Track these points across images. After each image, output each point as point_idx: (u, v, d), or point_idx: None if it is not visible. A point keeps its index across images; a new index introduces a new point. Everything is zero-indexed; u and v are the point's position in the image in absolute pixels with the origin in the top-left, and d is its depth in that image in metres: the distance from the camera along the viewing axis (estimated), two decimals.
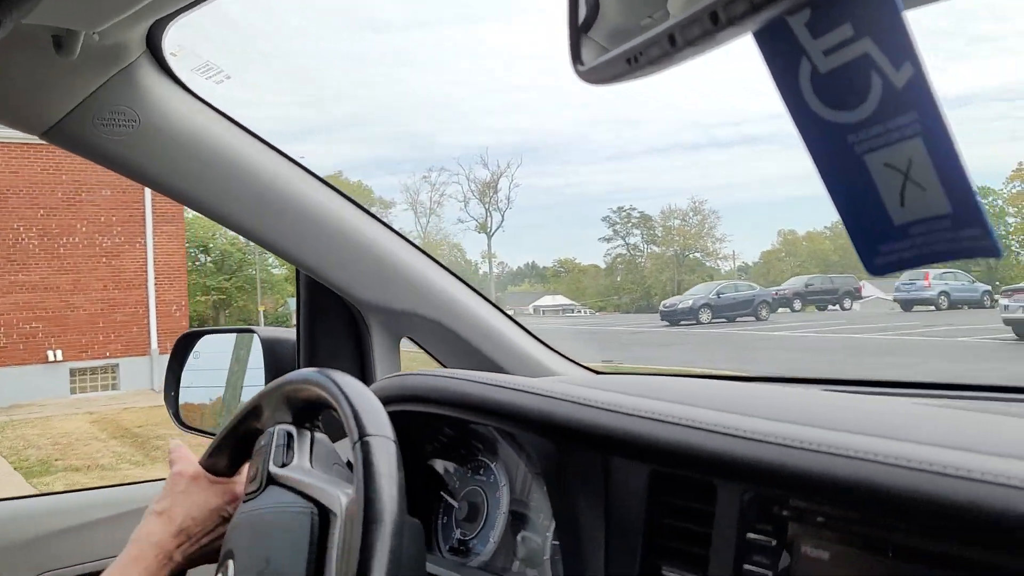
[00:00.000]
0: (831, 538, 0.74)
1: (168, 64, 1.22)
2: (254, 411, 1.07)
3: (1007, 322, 17.15)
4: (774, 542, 0.78)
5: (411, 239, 1.59)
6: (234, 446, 1.11)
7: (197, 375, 1.71)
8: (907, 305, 29.32)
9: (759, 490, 0.79)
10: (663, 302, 29.80)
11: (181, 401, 1.68)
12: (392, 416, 0.88)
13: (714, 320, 26.37)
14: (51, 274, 17.29)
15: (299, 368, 1.33)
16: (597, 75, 0.54)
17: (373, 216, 1.52)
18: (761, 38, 0.46)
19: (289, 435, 0.99)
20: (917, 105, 0.41)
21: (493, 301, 1.64)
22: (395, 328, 1.59)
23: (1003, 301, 17.50)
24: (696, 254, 69.36)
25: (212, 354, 1.76)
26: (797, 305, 33.41)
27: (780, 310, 32.92)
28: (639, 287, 47.32)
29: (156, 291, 18.41)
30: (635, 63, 0.49)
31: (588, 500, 0.93)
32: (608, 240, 74.28)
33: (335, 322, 1.58)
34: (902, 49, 0.41)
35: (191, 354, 1.71)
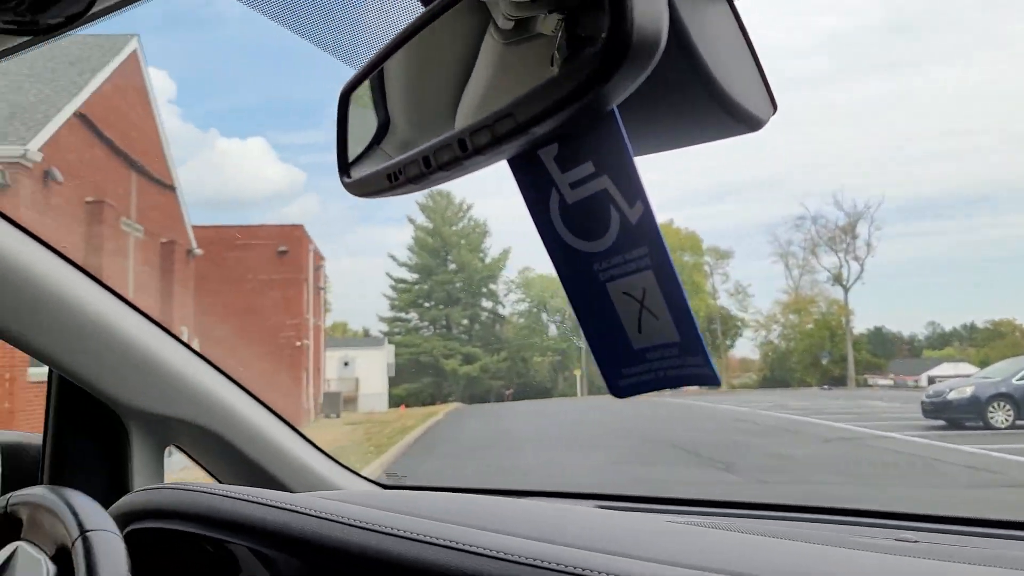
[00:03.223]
0: None
1: None
2: None
3: None
4: None
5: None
6: None
7: None
8: None
9: None
10: (927, 389, 16.81)
11: None
12: (139, 534, 0.86)
13: (1020, 422, 13.44)
14: None
15: (42, 478, 1.32)
16: (362, 188, 0.54)
17: (141, 312, 1.33)
18: (515, 167, 0.48)
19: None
20: (648, 240, 0.43)
21: (272, 408, 1.49)
22: (160, 436, 1.39)
23: None
24: None
25: None
26: None
27: None
28: None
29: None
30: (395, 180, 0.51)
31: None
32: None
33: (89, 427, 1.34)
34: (634, 188, 0.43)
35: None
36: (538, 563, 0.71)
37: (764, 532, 0.97)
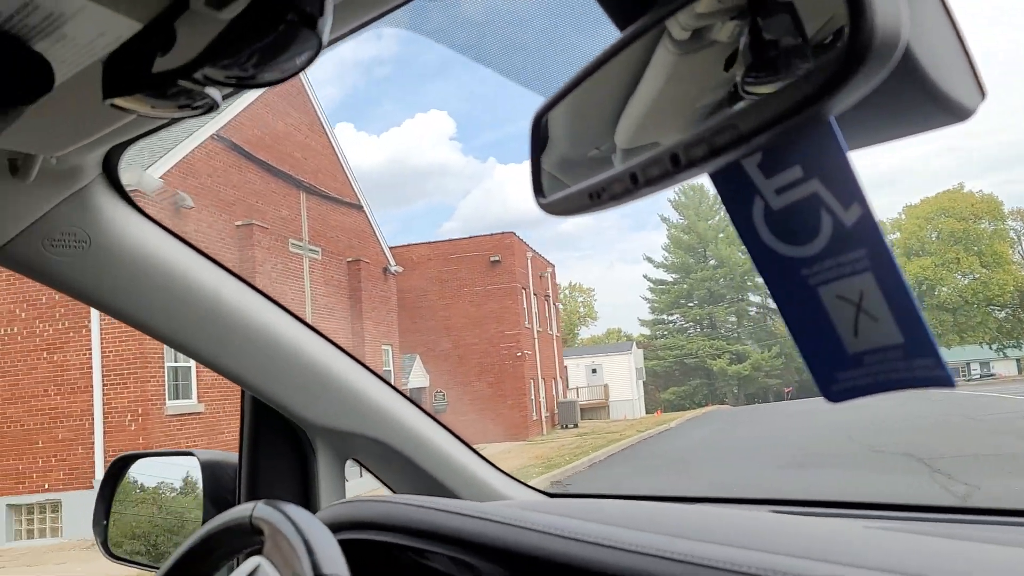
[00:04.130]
0: None
1: (122, 186, 1.14)
2: (197, 550, 0.99)
3: None
4: None
5: None
6: None
7: (131, 501, 1.59)
8: None
9: None
10: None
11: (112, 530, 1.54)
12: (343, 545, 0.86)
13: None
14: None
15: (239, 493, 1.40)
16: (559, 207, 0.55)
17: (320, 334, 1.39)
18: (716, 176, 0.48)
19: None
20: (866, 242, 0.42)
21: (439, 420, 1.51)
22: (341, 450, 1.45)
23: None
24: None
25: (148, 478, 1.62)
26: None
27: None
28: None
29: (103, 396, 12.49)
30: (597, 198, 0.51)
31: None
32: None
33: (280, 444, 1.43)
34: (849, 190, 0.42)
35: (124, 478, 1.58)
36: (754, 571, 0.69)
37: (968, 538, 0.90)
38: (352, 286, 19.90)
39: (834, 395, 0.46)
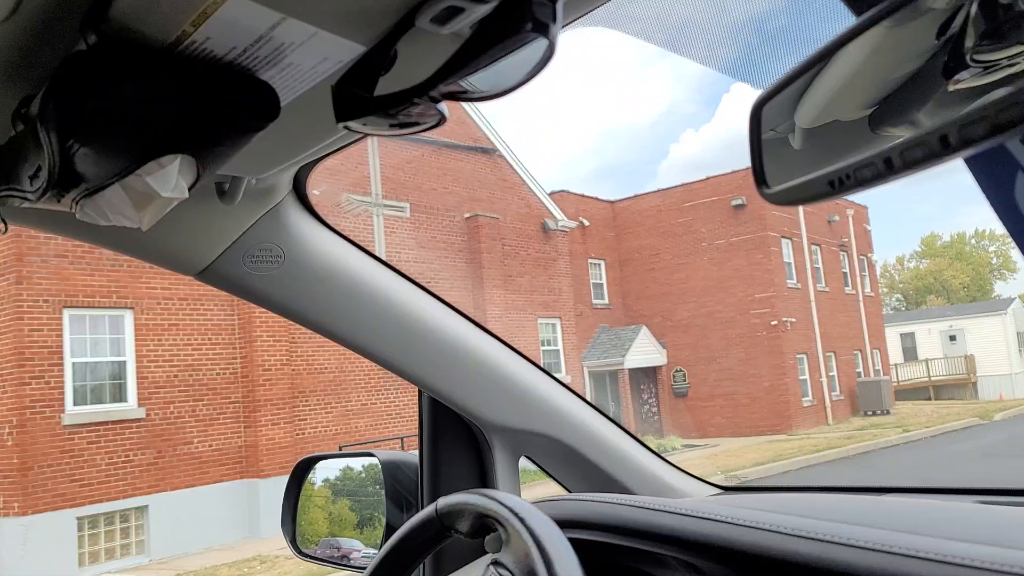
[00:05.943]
0: None
1: (310, 202, 1.17)
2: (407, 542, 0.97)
3: None
4: None
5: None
6: None
7: (315, 501, 1.60)
8: None
9: None
10: None
11: (299, 528, 1.55)
12: None
13: None
14: None
15: (421, 492, 1.39)
16: (787, 197, 0.51)
17: (492, 334, 1.38)
18: (972, 156, 0.44)
19: None
20: None
21: (611, 417, 1.46)
22: (515, 447, 1.44)
23: None
24: None
25: (330, 479, 1.63)
26: None
27: None
28: None
29: None
30: (840, 184, 0.46)
31: None
32: None
33: (458, 443, 1.43)
34: None
35: (307, 479, 1.58)
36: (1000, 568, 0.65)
37: None
38: (471, 248, 15.49)
39: None
